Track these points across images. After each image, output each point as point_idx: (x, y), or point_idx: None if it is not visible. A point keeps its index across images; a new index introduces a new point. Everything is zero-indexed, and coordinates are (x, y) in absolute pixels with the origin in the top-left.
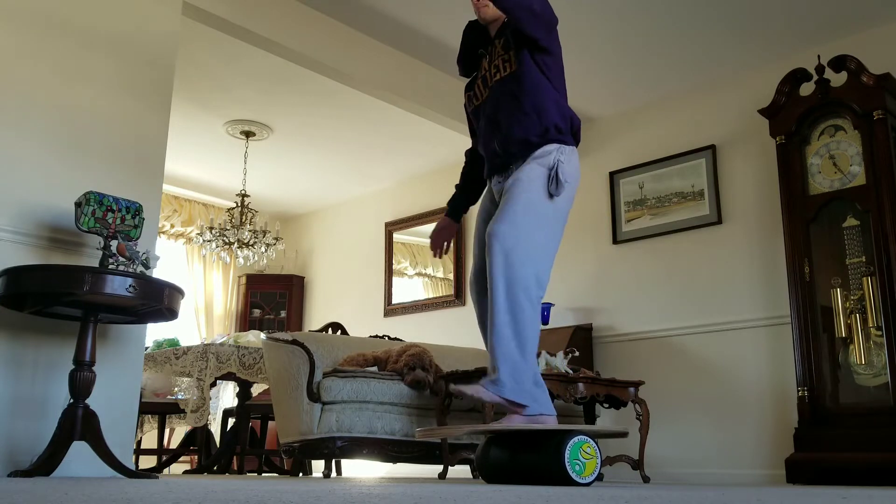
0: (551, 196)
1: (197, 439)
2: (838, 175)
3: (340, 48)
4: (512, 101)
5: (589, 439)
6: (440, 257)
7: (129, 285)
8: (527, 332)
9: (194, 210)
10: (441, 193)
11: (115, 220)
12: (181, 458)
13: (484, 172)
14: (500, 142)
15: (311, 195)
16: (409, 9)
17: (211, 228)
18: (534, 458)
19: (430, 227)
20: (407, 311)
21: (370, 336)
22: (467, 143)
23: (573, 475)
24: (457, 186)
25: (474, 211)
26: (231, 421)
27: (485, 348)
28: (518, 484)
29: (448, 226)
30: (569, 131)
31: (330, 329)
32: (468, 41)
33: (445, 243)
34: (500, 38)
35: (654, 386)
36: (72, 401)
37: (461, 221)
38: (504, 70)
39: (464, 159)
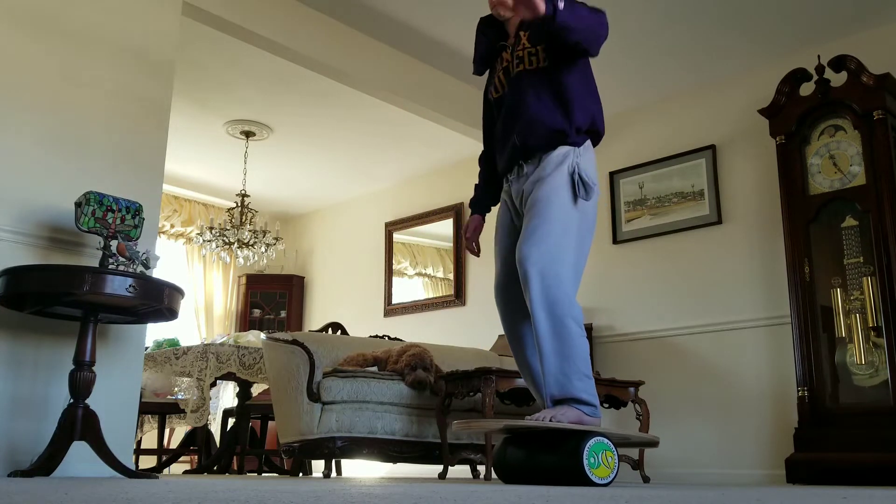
0: (575, 201)
1: (197, 439)
2: (838, 175)
3: (340, 48)
4: (536, 94)
5: (607, 440)
6: (479, 254)
7: (129, 285)
8: (575, 349)
9: (194, 210)
10: (441, 193)
11: (115, 220)
12: (181, 458)
13: (498, 169)
14: (520, 133)
15: (311, 195)
16: (410, 9)
17: (211, 228)
18: (552, 458)
19: (430, 227)
20: (407, 311)
21: (370, 336)
22: (468, 143)
23: (591, 475)
24: (478, 186)
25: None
26: (231, 421)
27: (489, 349)
28: (536, 484)
29: (481, 224)
30: (587, 129)
31: (330, 329)
32: (484, 37)
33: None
34: (524, 31)
35: (654, 386)
36: (72, 401)
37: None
38: (530, 63)
39: (479, 166)
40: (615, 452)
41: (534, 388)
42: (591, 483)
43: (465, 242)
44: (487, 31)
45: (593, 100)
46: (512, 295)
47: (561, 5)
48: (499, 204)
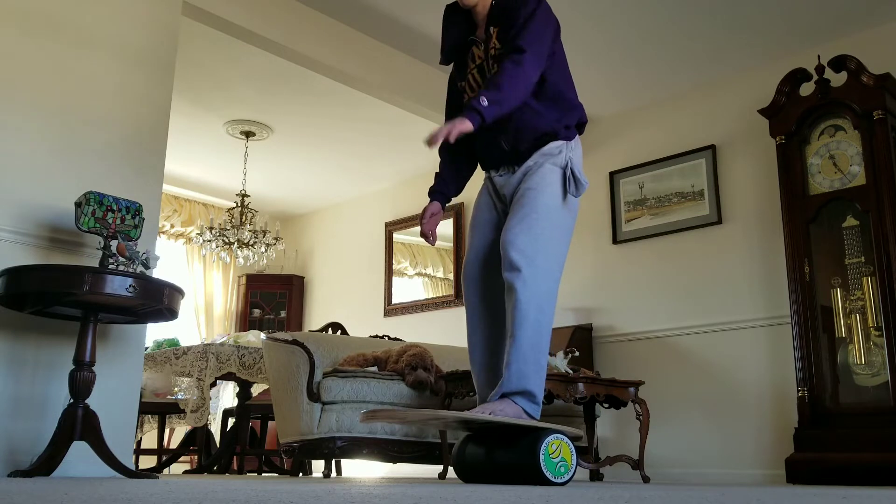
0: (565, 197)
1: (197, 439)
2: (838, 175)
3: (340, 48)
4: None
5: (562, 437)
6: (434, 243)
7: (129, 285)
8: (542, 343)
9: (194, 210)
10: None
11: (115, 220)
12: (181, 458)
13: (481, 165)
14: (509, 139)
15: (311, 195)
16: (409, 9)
17: (211, 228)
18: (509, 456)
19: None
20: (407, 311)
21: (370, 336)
22: None
23: (548, 474)
24: (438, 175)
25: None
26: (231, 421)
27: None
28: (492, 482)
29: (439, 211)
30: (574, 124)
31: (330, 329)
32: (450, 26)
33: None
34: (494, 27)
35: (654, 386)
36: (72, 401)
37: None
38: None
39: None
40: (572, 450)
41: (485, 384)
42: (547, 482)
43: (420, 228)
44: (454, 18)
45: (572, 91)
46: (486, 280)
47: (484, 102)
48: (479, 192)
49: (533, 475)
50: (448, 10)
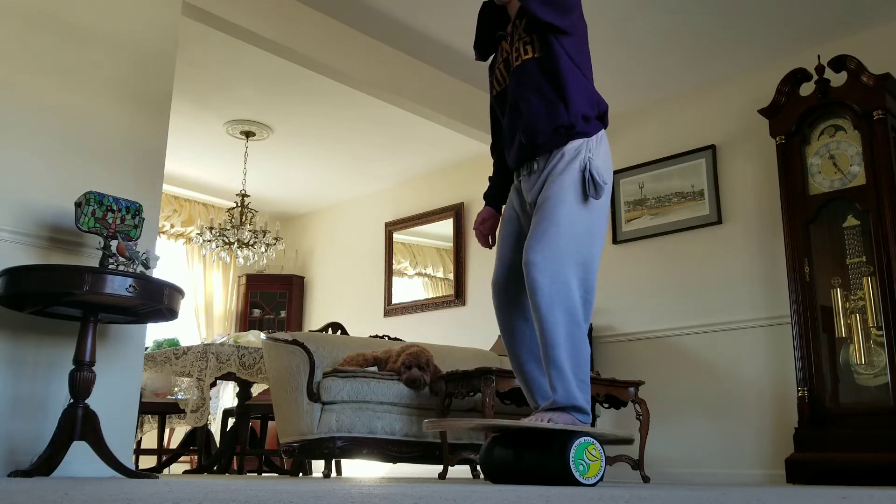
0: (585, 200)
1: (197, 439)
2: (838, 175)
3: (340, 48)
4: (535, 88)
5: (594, 441)
6: (490, 247)
7: (129, 285)
8: (580, 356)
9: (194, 210)
10: (441, 193)
11: (115, 220)
12: (181, 458)
13: (509, 165)
14: (525, 132)
15: (311, 195)
16: (409, 8)
17: (211, 228)
18: (539, 457)
19: (430, 227)
20: (407, 311)
21: (370, 336)
22: (468, 142)
23: (578, 476)
24: (492, 179)
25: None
26: (231, 421)
27: (489, 349)
28: (522, 483)
29: (492, 216)
30: (595, 117)
31: (330, 329)
32: (484, 22)
33: (491, 235)
34: (521, 19)
35: (654, 386)
36: (72, 401)
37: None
38: (526, 54)
39: (491, 159)
40: (602, 452)
41: (527, 391)
42: (577, 483)
43: (476, 233)
44: (488, 15)
45: (590, 77)
46: (511, 295)
47: None
48: (506, 203)
49: (563, 477)
50: (483, 8)
